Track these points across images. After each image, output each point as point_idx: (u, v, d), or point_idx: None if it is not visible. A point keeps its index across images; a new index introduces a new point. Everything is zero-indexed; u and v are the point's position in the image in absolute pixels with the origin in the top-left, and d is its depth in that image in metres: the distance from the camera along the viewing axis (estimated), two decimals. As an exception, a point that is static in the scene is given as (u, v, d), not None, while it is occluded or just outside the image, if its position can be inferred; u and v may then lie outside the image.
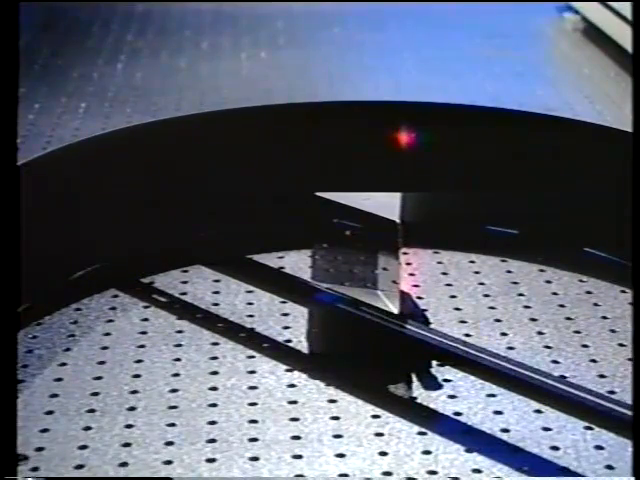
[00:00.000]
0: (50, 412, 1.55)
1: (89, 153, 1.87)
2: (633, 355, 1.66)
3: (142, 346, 1.71)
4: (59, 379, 1.63)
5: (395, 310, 1.71)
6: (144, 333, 1.75)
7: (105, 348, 1.71)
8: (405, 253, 1.94)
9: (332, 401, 1.58)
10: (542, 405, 1.57)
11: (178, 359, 1.68)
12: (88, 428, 1.51)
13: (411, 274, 1.93)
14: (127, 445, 1.48)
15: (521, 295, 1.88)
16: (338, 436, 1.51)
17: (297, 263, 1.95)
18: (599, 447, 1.49)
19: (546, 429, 1.53)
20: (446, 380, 1.63)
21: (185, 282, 1.90)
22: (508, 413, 1.56)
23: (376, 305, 1.72)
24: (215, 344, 1.72)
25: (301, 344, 1.72)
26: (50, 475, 1.43)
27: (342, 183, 2.00)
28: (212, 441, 1.49)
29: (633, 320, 1.75)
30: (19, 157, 1.68)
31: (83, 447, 1.48)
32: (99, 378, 1.63)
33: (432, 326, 1.76)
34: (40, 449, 1.47)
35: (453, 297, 1.87)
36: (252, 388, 1.61)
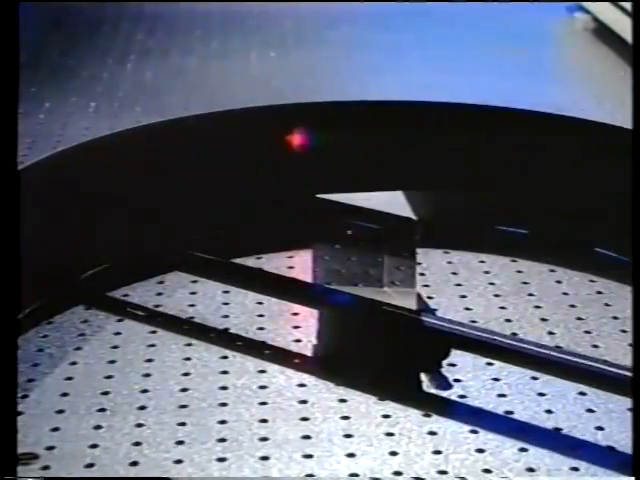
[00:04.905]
0: (61, 411, 1.55)
1: (85, 157, 1.87)
2: (633, 355, 1.65)
3: (152, 345, 1.71)
4: (70, 378, 1.63)
5: (406, 310, 1.70)
6: (154, 332, 1.75)
7: (115, 347, 1.71)
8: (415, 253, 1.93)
9: (342, 401, 1.58)
10: (552, 405, 1.57)
11: (188, 358, 1.68)
12: (99, 427, 1.52)
13: (421, 274, 1.92)
14: (137, 444, 1.48)
15: (531, 295, 1.88)
16: (348, 436, 1.51)
17: (307, 262, 1.94)
18: (611, 448, 1.49)
19: (557, 429, 1.52)
20: (456, 380, 1.63)
21: (195, 281, 1.90)
22: (519, 413, 1.56)
23: (387, 305, 1.71)
24: (225, 343, 1.72)
25: (311, 343, 1.72)
26: (60, 474, 1.43)
27: (349, 183, 2.00)
28: (222, 440, 1.49)
29: (633, 320, 1.73)
30: (29, 156, 1.68)
31: (94, 446, 1.48)
32: (110, 377, 1.63)
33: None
34: (51, 448, 1.47)
35: (463, 297, 1.87)
36: (262, 387, 1.61)
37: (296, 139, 2.01)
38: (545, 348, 1.59)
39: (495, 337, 1.62)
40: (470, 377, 1.63)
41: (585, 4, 3.50)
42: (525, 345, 1.60)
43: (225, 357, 1.69)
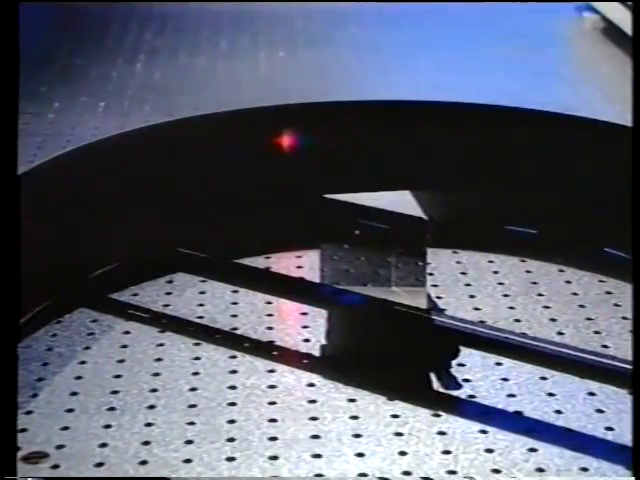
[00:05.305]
0: (70, 410, 1.55)
1: (95, 156, 1.87)
2: (633, 353, 1.65)
3: (161, 344, 1.71)
4: (79, 377, 1.63)
5: (415, 309, 1.70)
6: (163, 332, 1.75)
7: (125, 346, 1.71)
8: (424, 252, 1.93)
9: (351, 400, 1.58)
10: (562, 405, 1.57)
11: (197, 358, 1.68)
12: (108, 426, 1.52)
13: (430, 273, 1.92)
14: (147, 443, 1.48)
15: (541, 295, 1.87)
16: (357, 435, 1.51)
17: (315, 262, 1.94)
18: (620, 448, 1.48)
19: (567, 429, 1.52)
20: (466, 380, 1.63)
21: (204, 281, 1.90)
22: (528, 413, 1.56)
23: (396, 305, 1.71)
24: (234, 342, 1.72)
25: (320, 343, 1.72)
26: (70, 473, 1.43)
27: (358, 183, 2.00)
28: (231, 440, 1.50)
29: (633, 319, 1.73)
30: (38, 156, 1.68)
31: (103, 445, 1.48)
32: (119, 376, 1.63)
33: (451, 326, 1.75)
34: (60, 447, 1.48)
35: (472, 297, 1.86)
36: (271, 387, 1.61)
37: (303, 139, 2.01)
38: (555, 345, 1.59)
39: (505, 335, 1.62)
40: (479, 377, 1.63)
41: (594, 4, 3.49)
42: (535, 342, 1.59)
43: (234, 357, 1.69)
